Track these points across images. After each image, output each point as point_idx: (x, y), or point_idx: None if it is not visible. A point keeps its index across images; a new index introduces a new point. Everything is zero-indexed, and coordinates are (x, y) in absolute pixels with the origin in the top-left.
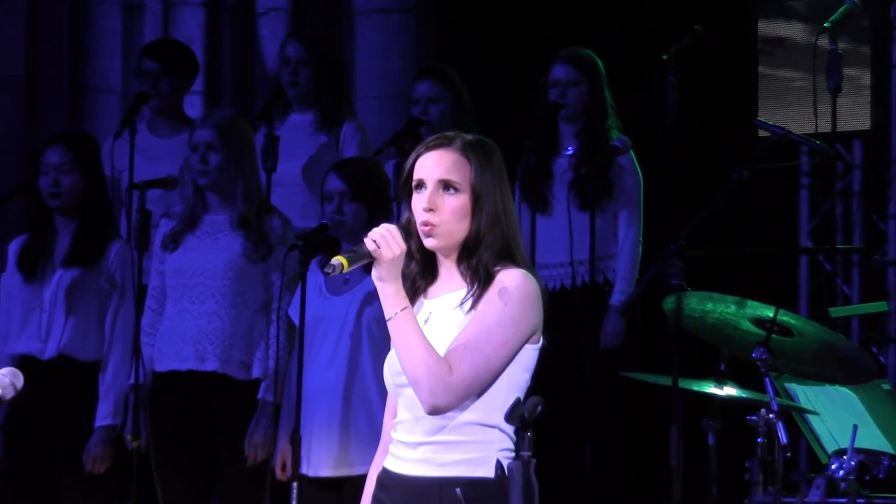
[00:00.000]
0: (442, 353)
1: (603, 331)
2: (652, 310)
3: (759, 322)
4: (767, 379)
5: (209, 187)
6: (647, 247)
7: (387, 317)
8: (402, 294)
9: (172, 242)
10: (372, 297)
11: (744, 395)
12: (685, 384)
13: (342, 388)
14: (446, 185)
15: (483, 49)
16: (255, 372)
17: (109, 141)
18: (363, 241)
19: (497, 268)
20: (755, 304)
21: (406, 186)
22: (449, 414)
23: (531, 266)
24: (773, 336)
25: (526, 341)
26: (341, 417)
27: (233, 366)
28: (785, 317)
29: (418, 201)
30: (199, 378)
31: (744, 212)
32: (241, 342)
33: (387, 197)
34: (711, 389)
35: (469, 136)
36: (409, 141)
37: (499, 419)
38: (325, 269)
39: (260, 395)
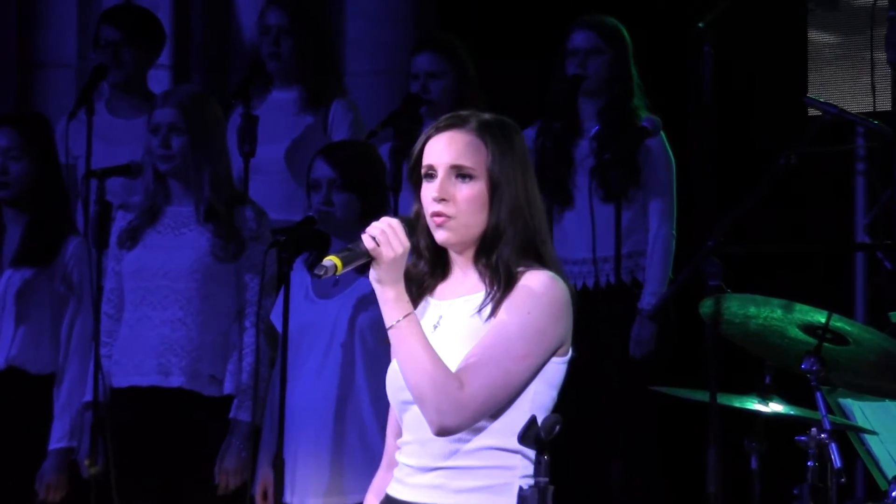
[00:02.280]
0: (456, 367)
1: (632, 338)
2: (686, 315)
3: (809, 328)
4: (819, 394)
5: (172, 174)
6: (681, 243)
7: (387, 325)
8: (405, 299)
9: (130, 239)
10: (366, 301)
11: (792, 413)
12: (725, 400)
13: (333, 406)
14: (460, 172)
15: (490, 16)
16: (227, 387)
17: (63, 122)
18: (360, 238)
19: (521, 268)
20: (805, 307)
21: (415, 173)
22: (462, 436)
23: (560, 266)
24: (826, 344)
25: (552, 354)
26: (332, 439)
27: (201, 381)
28: (839, 322)
29: (428, 190)
30: (163, 395)
31: (791, 202)
32: (211, 354)
33: (382, 186)
34: (755, 406)
35: (486, 116)
36: (407, 121)
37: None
38: (316, 271)
39: (232, 414)
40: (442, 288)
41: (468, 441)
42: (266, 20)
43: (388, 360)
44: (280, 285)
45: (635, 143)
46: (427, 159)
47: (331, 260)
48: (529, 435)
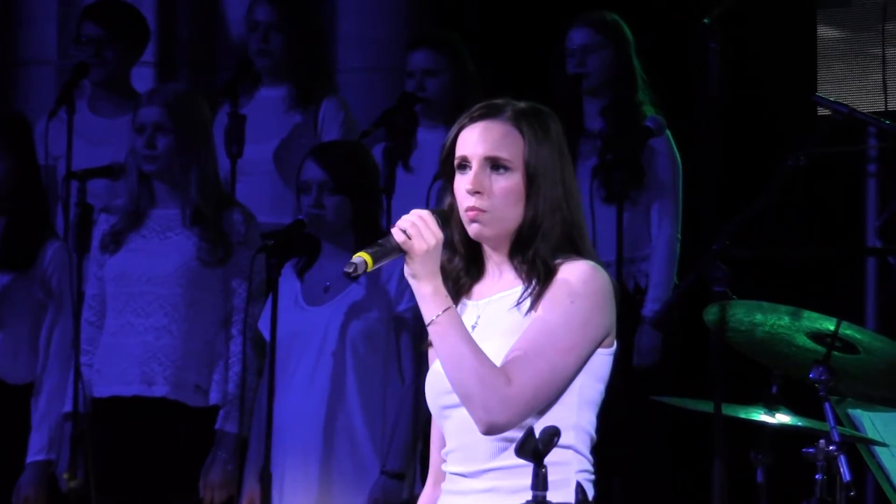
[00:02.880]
0: (498, 364)
1: (636, 347)
2: (690, 322)
3: (817, 336)
4: (827, 404)
5: (157, 176)
6: (685, 247)
7: (426, 321)
8: (443, 293)
9: (113, 243)
10: (358, 308)
11: (799, 424)
12: (730, 410)
13: (322, 417)
14: (495, 164)
15: (489, 11)
16: (213, 397)
17: (43, 121)
18: (390, 233)
19: (558, 260)
20: (813, 314)
21: (447, 165)
22: (508, 435)
23: (598, 258)
24: (835, 353)
25: (598, 345)
26: (321, 451)
27: (186, 390)
28: (849, 330)
29: (462, 183)
30: (146, 405)
31: (800, 205)
32: (196, 362)
33: (375, 188)
34: (761, 417)
35: (521, 104)
36: (402, 121)
37: (572, 438)
38: (346, 270)
39: (218, 425)
40: (478, 288)
41: (515, 439)
42: (254, 16)
43: (379, 370)
44: (268, 292)
45: (639, 143)
46: (460, 150)
47: (360, 256)
48: (527, 447)
